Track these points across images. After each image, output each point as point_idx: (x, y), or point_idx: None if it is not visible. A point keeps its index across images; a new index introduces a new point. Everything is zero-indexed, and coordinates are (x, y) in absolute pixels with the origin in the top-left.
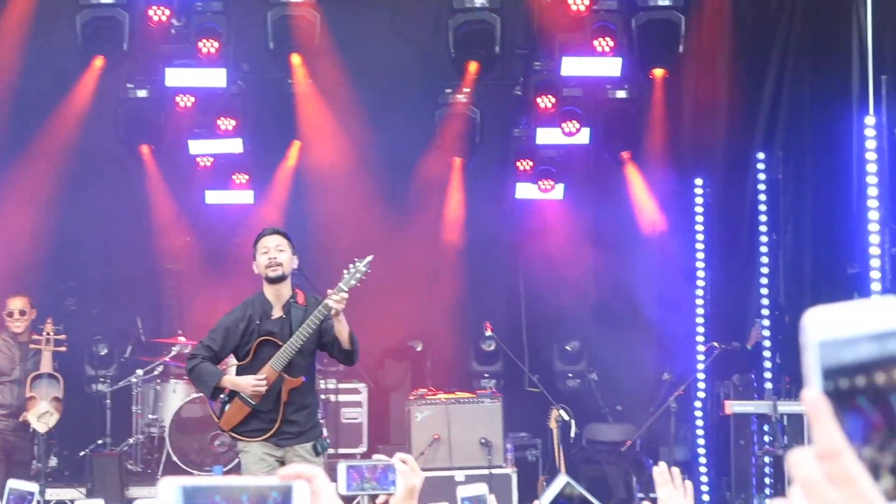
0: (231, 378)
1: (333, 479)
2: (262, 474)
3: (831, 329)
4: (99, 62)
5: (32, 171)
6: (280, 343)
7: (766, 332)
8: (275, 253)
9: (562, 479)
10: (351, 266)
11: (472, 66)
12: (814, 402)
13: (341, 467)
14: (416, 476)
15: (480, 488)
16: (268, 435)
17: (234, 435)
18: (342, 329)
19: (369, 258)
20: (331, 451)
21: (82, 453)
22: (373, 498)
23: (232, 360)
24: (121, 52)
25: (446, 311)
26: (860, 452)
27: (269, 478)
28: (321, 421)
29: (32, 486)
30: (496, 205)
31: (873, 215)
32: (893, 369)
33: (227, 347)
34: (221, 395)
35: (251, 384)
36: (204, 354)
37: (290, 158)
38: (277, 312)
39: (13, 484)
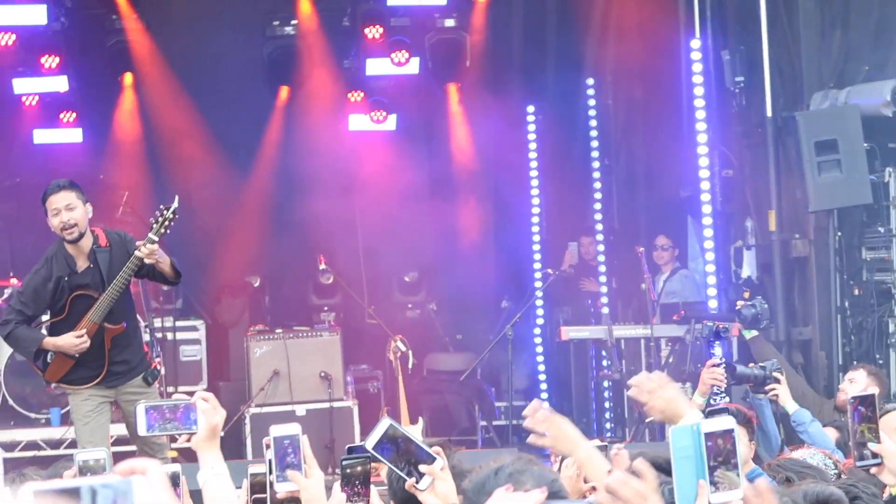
0: (52, 340)
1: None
2: (91, 414)
3: None
4: None
5: None
6: (94, 295)
7: (602, 258)
8: (66, 215)
9: (385, 421)
10: (157, 214)
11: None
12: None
13: (140, 409)
14: (218, 414)
15: (293, 428)
16: (96, 381)
17: (62, 385)
18: (165, 268)
19: (175, 204)
20: (170, 388)
21: None
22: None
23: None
24: None
25: (282, 246)
26: None
27: (105, 477)
28: (147, 351)
29: None
30: (330, 137)
31: (702, 138)
32: None
33: (39, 310)
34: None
35: (73, 344)
36: (17, 319)
37: (126, 94)
38: (83, 264)
39: None
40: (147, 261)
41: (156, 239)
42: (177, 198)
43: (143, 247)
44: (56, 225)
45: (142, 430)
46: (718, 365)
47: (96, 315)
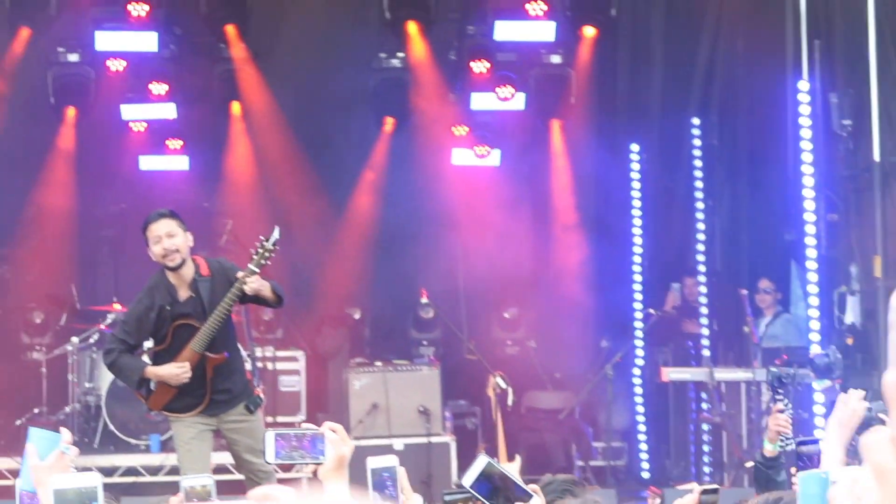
0: (153, 370)
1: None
2: (193, 441)
3: None
4: (25, 33)
5: None
6: (196, 324)
7: (704, 300)
8: (167, 242)
9: (483, 459)
10: (258, 246)
11: (413, 27)
12: (893, 385)
13: (269, 436)
14: (346, 445)
15: (391, 460)
16: (199, 409)
17: (165, 413)
18: (267, 295)
19: (275, 235)
20: (269, 419)
21: (18, 422)
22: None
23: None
24: (48, 14)
25: (384, 279)
26: None
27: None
28: (250, 379)
29: None
30: (434, 170)
31: (808, 181)
32: None
33: (141, 338)
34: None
35: (175, 374)
36: (120, 348)
37: (232, 122)
38: (185, 293)
39: None
40: (249, 291)
41: (256, 270)
42: (277, 228)
43: (245, 278)
44: (157, 253)
45: (270, 457)
46: (783, 411)
47: (198, 345)
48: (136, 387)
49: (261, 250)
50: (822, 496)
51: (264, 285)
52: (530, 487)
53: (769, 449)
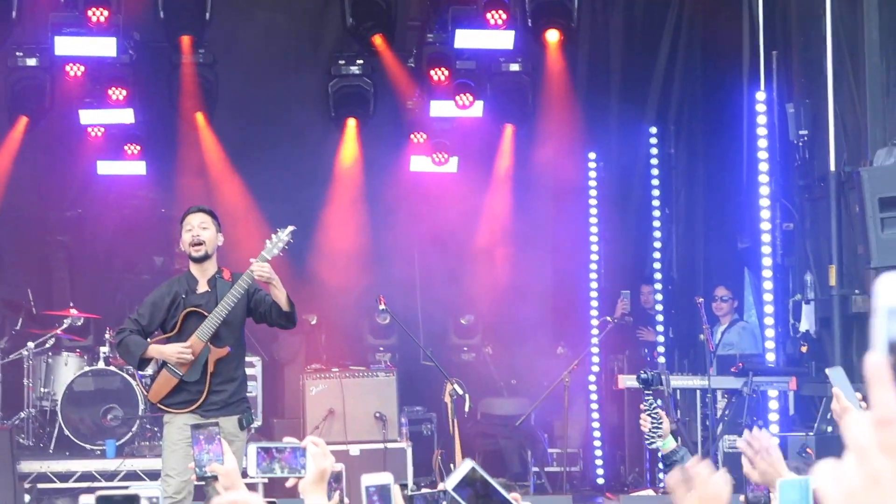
0: (157, 346)
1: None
2: (180, 443)
3: None
4: None
5: None
6: (206, 314)
7: (660, 307)
8: (198, 231)
9: (467, 464)
10: (273, 236)
11: (378, 40)
12: (876, 366)
13: (251, 448)
14: (327, 459)
15: (385, 477)
16: (194, 406)
17: (161, 406)
18: (279, 294)
19: (291, 228)
20: None
21: None
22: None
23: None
24: (9, 20)
25: (340, 284)
26: None
27: None
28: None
29: None
30: (391, 177)
31: (764, 190)
32: None
33: (153, 322)
34: (149, 368)
35: (176, 351)
36: (131, 328)
37: (189, 128)
38: (203, 287)
39: None
40: (258, 276)
41: (268, 258)
42: (293, 226)
43: (254, 265)
44: (186, 240)
45: (251, 470)
46: (645, 411)
47: (203, 333)
48: (138, 366)
49: (275, 240)
50: (802, 501)
51: (280, 286)
52: (512, 496)
53: (662, 448)
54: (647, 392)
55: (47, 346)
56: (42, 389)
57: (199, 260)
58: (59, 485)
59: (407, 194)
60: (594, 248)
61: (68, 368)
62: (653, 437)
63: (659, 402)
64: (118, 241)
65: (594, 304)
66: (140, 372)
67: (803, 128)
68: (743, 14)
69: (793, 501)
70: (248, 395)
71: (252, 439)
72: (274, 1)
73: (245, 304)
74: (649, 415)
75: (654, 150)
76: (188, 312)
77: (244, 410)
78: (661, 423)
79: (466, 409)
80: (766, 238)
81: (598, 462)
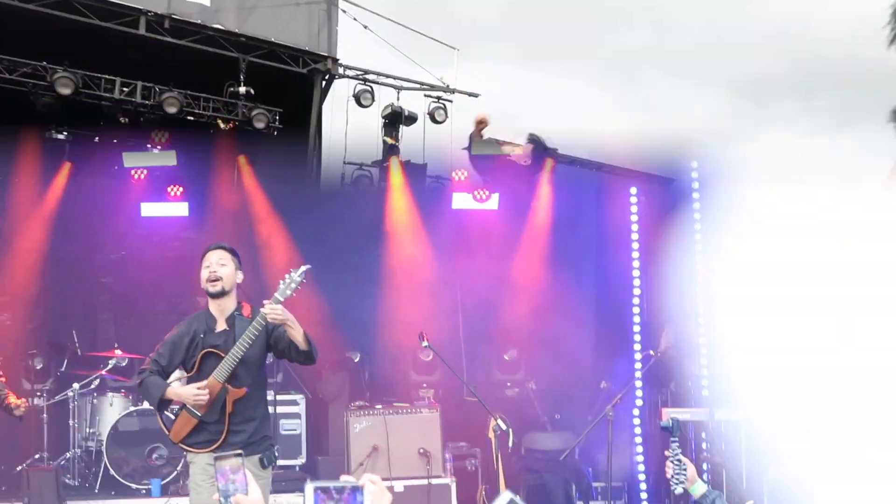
0: (174, 389)
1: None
2: (204, 483)
3: None
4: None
5: None
6: (223, 355)
7: (703, 340)
8: (216, 267)
9: (506, 495)
10: (287, 276)
11: None
12: None
13: (308, 488)
14: (385, 497)
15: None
16: (214, 446)
17: (183, 446)
18: (295, 333)
19: (305, 268)
20: None
21: (19, 468)
22: None
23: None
24: None
25: (383, 322)
26: None
27: None
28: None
29: None
30: (433, 214)
31: None
32: None
33: (173, 362)
34: (171, 408)
35: (192, 394)
36: (152, 368)
37: (229, 169)
38: (221, 326)
39: None
40: (270, 318)
41: (280, 299)
42: (307, 266)
43: (267, 306)
44: (203, 276)
45: None
46: (668, 457)
47: (220, 374)
48: (157, 407)
49: (287, 280)
50: None
51: (296, 325)
52: None
53: (693, 493)
54: (672, 439)
55: (92, 386)
56: (88, 430)
57: (216, 296)
58: None
59: (449, 231)
60: (636, 282)
61: (113, 409)
62: (676, 483)
63: (679, 449)
64: (162, 282)
65: (637, 337)
66: (159, 412)
67: None
68: None
69: None
70: (288, 432)
71: (297, 477)
72: None
73: (264, 342)
74: (671, 461)
75: (696, 185)
76: (206, 353)
77: (266, 449)
78: (685, 469)
79: (510, 444)
80: None
81: (643, 496)
